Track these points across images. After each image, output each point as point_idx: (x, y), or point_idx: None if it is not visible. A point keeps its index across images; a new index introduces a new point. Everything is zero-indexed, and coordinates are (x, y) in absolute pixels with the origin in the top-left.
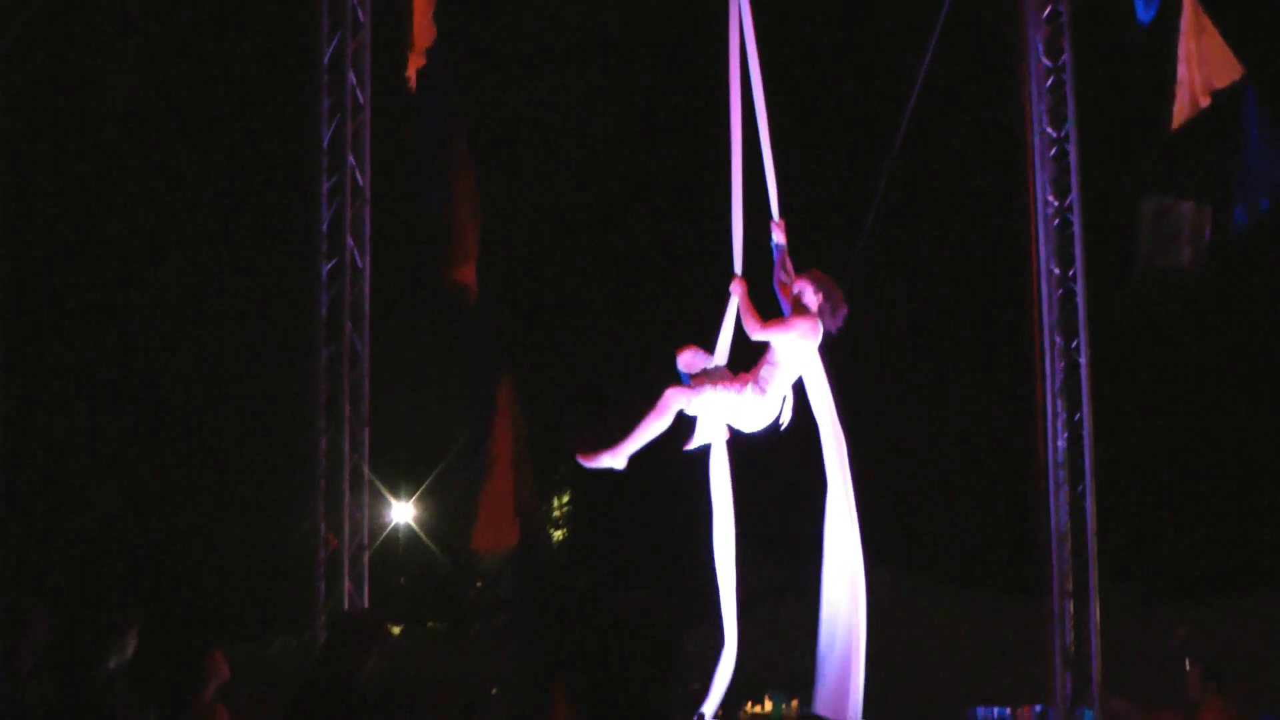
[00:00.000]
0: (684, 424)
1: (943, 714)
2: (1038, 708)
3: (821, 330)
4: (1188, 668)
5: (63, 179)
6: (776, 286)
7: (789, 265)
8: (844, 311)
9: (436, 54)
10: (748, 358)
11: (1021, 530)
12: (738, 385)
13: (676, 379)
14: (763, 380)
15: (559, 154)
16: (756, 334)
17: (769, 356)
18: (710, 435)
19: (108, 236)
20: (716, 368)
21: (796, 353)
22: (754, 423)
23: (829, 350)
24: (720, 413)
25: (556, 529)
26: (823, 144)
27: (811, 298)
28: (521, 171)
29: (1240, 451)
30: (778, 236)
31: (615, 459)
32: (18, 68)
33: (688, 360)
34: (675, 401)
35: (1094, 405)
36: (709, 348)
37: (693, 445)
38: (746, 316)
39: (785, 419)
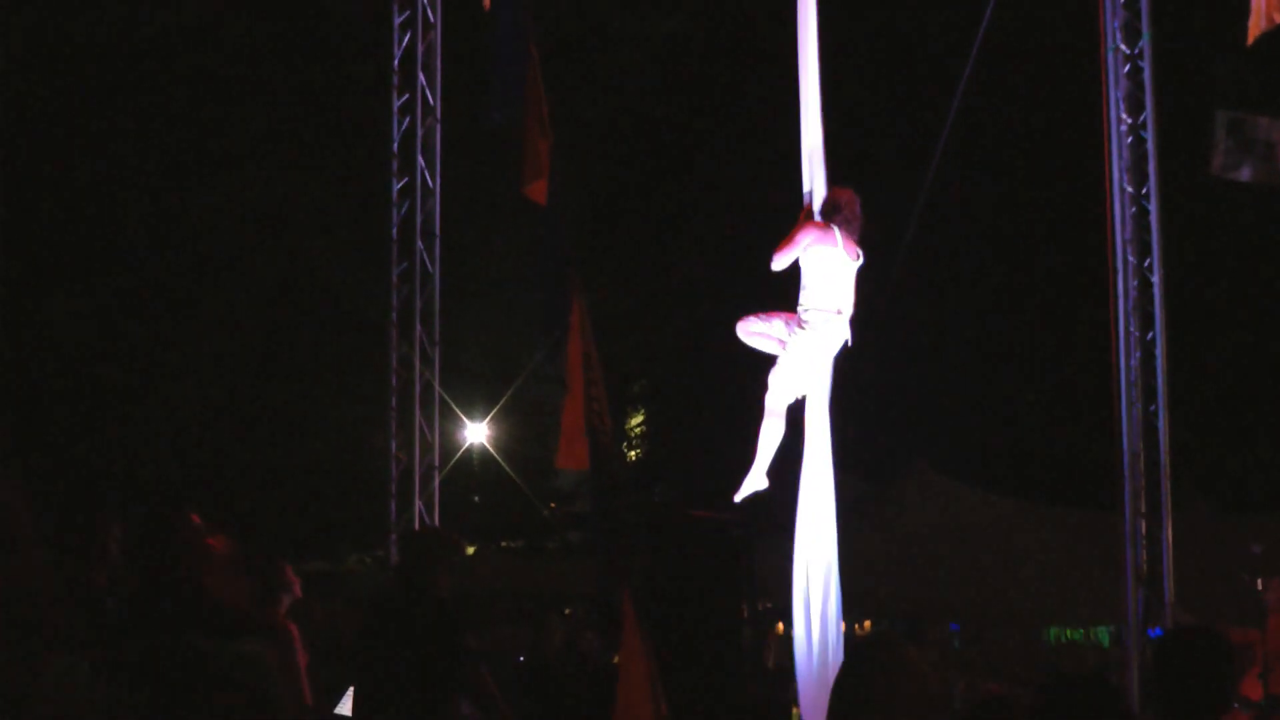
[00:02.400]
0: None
1: (1019, 630)
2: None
3: (837, 231)
4: (1260, 585)
5: (138, 91)
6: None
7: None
8: (844, 199)
9: None
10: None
11: (1097, 449)
12: (795, 336)
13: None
14: (807, 313)
15: (632, 67)
16: (774, 264)
17: (801, 281)
18: (807, 385)
19: (180, 148)
20: (773, 325)
21: (821, 262)
22: (828, 351)
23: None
24: (809, 366)
25: (631, 448)
26: (897, 64)
27: (816, 209)
28: (595, 85)
29: None
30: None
31: (756, 480)
32: None
33: (746, 332)
34: (778, 404)
35: (1167, 323)
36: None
37: (796, 398)
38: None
39: (848, 336)
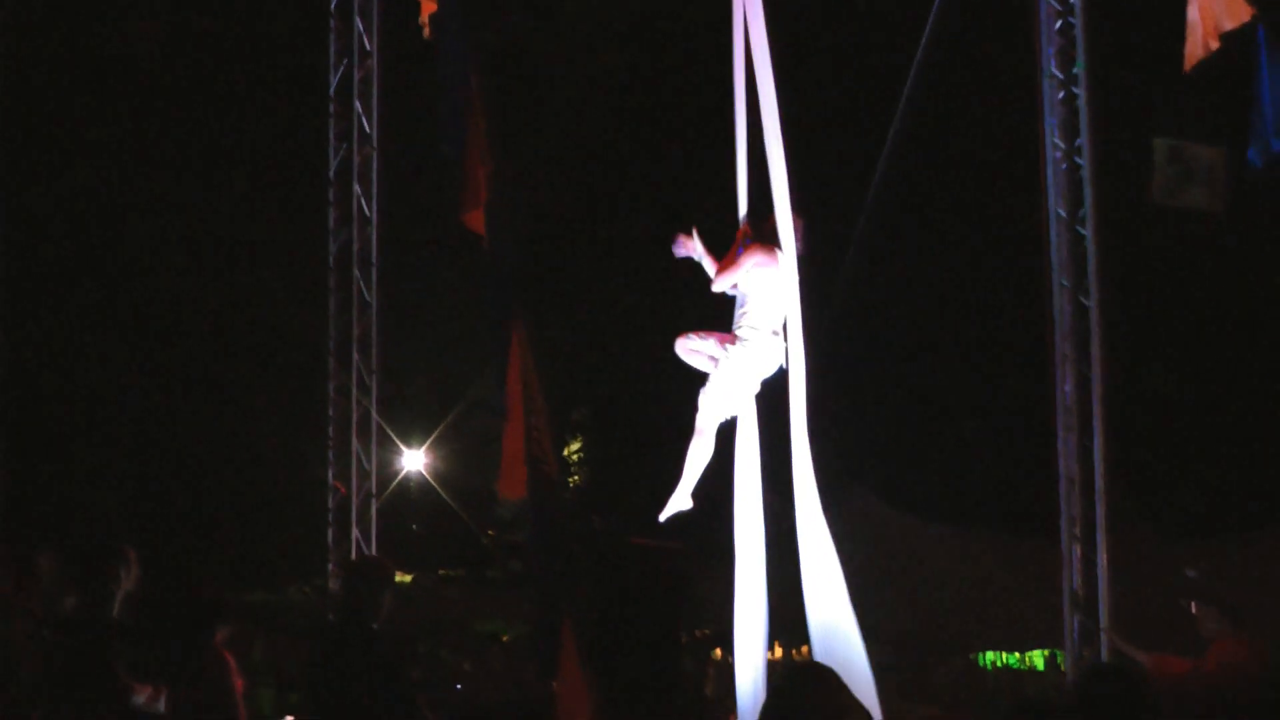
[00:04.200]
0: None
1: (954, 655)
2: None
3: (779, 253)
4: (1194, 610)
5: (78, 129)
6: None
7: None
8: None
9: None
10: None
11: (1035, 474)
12: (728, 354)
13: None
14: (741, 330)
15: (572, 96)
16: (716, 285)
17: (739, 302)
18: (738, 406)
19: (114, 181)
20: (708, 343)
21: (763, 285)
22: (762, 372)
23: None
24: (741, 386)
25: (570, 475)
26: (835, 91)
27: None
28: (534, 115)
29: (1253, 389)
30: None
31: (681, 500)
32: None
33: (684, 349)
34: (709, 421)
35: (1103, 348)
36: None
37: (726, 418)
38: (708, 267)
39: (782, 360)
